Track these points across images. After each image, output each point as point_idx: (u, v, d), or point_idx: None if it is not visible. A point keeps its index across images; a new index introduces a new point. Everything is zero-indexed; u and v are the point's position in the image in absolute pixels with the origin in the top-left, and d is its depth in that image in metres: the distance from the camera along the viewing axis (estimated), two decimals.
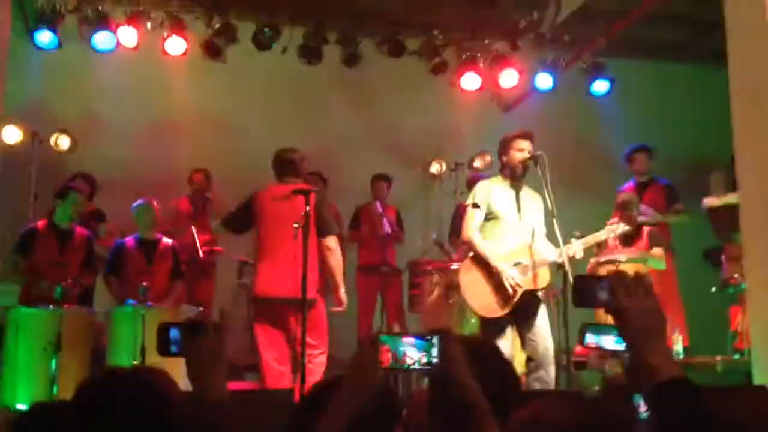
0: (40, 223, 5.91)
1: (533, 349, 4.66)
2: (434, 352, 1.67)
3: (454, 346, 1.72)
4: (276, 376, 4.79)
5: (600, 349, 1.81)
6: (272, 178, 7.09)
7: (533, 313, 4.71)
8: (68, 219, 5.91)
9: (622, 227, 5.06)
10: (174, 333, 1.88)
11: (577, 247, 4.73)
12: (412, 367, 1.70)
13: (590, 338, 1.81)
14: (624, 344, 1.52)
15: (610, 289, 1.49)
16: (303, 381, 4.30)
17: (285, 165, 5.16)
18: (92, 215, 6.77)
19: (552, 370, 4.63)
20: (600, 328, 1.78)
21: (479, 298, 4.71)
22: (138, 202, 6.18)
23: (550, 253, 4.72)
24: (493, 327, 4.65)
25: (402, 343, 1.69)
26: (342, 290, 5.01)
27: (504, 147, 4.89)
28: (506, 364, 2.08)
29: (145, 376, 1.80)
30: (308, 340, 4.55)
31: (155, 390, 1.74)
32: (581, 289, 1.57)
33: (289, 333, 4.81)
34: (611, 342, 1.75)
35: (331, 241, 4.98)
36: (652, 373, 1.41)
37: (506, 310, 4.63)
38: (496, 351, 2.14)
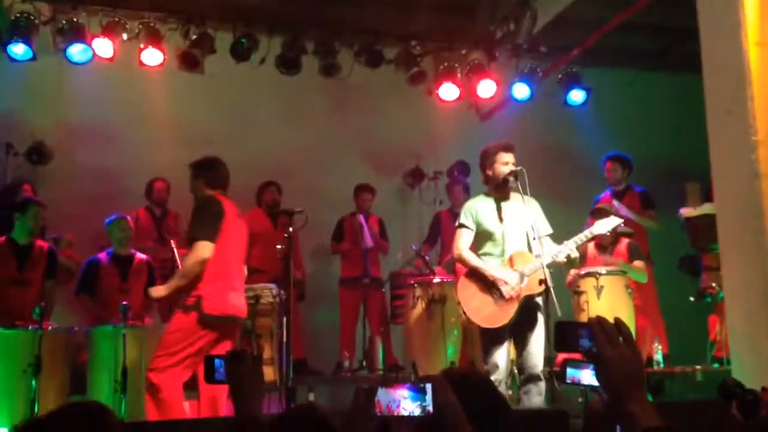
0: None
1: (523, 363, 4.68)
2: (428, 399, 1.68)
3: (447, 393, 1.72)
4: None
5: (580, 385, 1.83)
6: (251, 190, 7.15)
7: (530, 324, 4.66)
8: (28, 234, 5.67)
9: (616, 220, 4.96)
10: (218, 363, 2.13)
11: (570, 247, 4.67)
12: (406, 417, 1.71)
13: (571, 374, 1.84)
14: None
15: (591, 336, 1.50)
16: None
17: (227, 178, 4.81)
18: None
19: (541, 385, 4.62)
20: (578, 363, 1.81)
21: (480, 311, 4.68)
22: (111, 217, 6.10)
23: (546, 256, 4.61)
24: (492, 337, 4.65)
25: (396, 394, 1.69)
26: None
27: (488, 160, 4.87)
28: (496, 395, 2.10)
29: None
30: None
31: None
32: (562, 335, 1.59)
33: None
34: (589, 377, 1.78)
35: None
36: (632, 421, 1.41)
37: (508, 318, 4.60)
38: (486, 382, 2.16)
